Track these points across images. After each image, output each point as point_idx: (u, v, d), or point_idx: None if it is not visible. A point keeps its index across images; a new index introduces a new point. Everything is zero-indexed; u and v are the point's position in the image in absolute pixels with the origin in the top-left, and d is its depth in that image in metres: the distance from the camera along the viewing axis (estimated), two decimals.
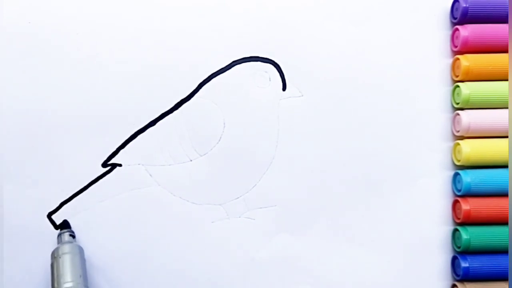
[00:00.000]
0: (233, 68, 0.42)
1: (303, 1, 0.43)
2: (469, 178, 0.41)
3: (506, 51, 0.41)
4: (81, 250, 0.39)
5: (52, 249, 0.41)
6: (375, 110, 0.42)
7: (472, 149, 0.41)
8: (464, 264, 0.40)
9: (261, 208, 0.42)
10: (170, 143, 0.42)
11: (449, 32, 0.43)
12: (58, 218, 0.42)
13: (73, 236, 0.40)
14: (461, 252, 0.41)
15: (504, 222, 0.41)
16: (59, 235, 0.41)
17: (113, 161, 0.42)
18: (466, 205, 0.41)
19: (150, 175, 0.42)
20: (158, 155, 0.42)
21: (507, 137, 0.41)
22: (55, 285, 0.37)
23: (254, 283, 0.42)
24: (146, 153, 0.42)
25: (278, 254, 0.42)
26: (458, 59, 0.42)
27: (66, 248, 0.39)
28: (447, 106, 0.42)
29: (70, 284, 0.37)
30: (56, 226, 0.42)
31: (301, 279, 0.42)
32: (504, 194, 0.41)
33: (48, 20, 0.42)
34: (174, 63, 0.42)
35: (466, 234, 0.41)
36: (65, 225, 0.41)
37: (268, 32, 0.42)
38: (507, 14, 0.41)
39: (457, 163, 0.42)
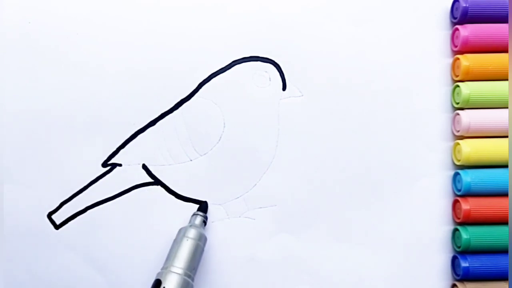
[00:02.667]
0: (233, 68, 0.42)
1: (303, 1, 0.43)
2: (469, 177, 0.41)
3: (506, 51, 0.41)
4: (205, 240, 0.40)
5: (52, 249, 0.41)
6: (375, 110, 0.42)
7: (472, 149, 0.41)
8: (464, 263, 0.40)
9: (261, 208, 0.42)
10: (170, 143, 0.42)
11: (449, 32, 0.43)
12: (58, 218, 0.42)
13: (205, 222, 0.41)
14: (461, 252, 0.41)
15: (504, 222, 0.41)
16: (194, 214, 0.41)
17: (113, 161, 0.42)
18: (466, 205, 0.41)
19: (150, 175, 0.42)
20: (158, 155, 0.42)
21: (507, 137, 0.41)
22: (170, 262, 0.38)
23: (254, 283, 0.42)
24: (146, 153, 0.42)
25: (278, 254, 0.42)
26: (458, 59, 0.42)
27: (193, 233, 0.39)
28: (447, 106, 0.42)
29: (178, 271, 0.37)
30: (56, 226, 0.42)
31: (301, 279, 0.42)
32: (504, 194, 0.41)
33: (48, 20, 0.42)
34: (174, 63, 0.42)
35: (466, 234, 0.41)
36: (203, 207, 0.41)
37: (268, 32, 0.42)
38: (507, 14, 0.41)
39: (457, 163, 0.42)
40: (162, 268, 0.38)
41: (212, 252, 0.42)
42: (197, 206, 0.42)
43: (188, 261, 0.38)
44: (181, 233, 0.39)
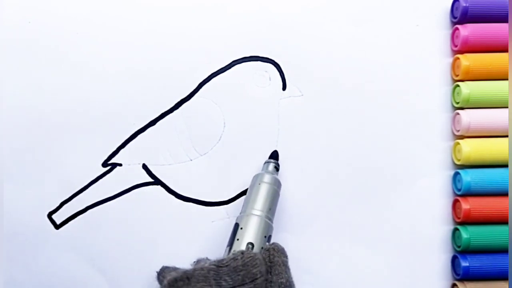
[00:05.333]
0: (233, 68, 0.42)
1: (303, 1, 0.43)
2: (469, 177, 0.41)
3: (506, 51, 0.41)
4: (279, 185, 0.40)
5: (52, 249, 0.41)
6: (374, 110, 0.42)
7: (472, 149, 0.41)
8: (464, 263, 0.40)
9: None
10: (170, 142, 0.42)
11: (449, 32, 0.43)
12: (58, 217, 0.42)
13: (277, 168, 0.41)
14: (461, 252, 0.41)
15: (504, 222, 0.41)
16: (266, 162, 0.41)
17: (113, 160, 0.42)
18: (466, 205, 0.41)
19: (150, 174, 0.42)
20: (158, 154, 0.42)
21: (507, 136, 0.41)
22: (248, 207, 0.38)
23: None
24: (146, 152, 0.42)
25: None
26: (458, 58, 0.42)
27: (267, 178, 0.39)
28: (447, 106, 0.43)
29: (257, 213, 0.38)
30: (56, 226, 0.42)
31: (301, 279, 0.42)
32: (504, 194, 0.41)
33: (48, 20, 0.42)
34: (174, 63, 0.42)
35: (466, 233, 0.41)
36: (274, 155, 0.42)
37: (268, 32, 0.43)
38: (507, 14, 0.41)
39: (457, 163, 0.42)
40: (241, 213, 0.38)
41: (212, 252, 0.42)
42: (196, 206, 0.42)
43: (267, 204, 0.38)
44: (256, 179, 0.40)
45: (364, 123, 0.42)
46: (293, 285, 0.35)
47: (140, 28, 0.42)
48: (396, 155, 0.42)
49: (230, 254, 0.35)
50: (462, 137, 0.42)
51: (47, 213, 0.42)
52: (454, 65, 0.42)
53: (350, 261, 0.42)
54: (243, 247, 0.36)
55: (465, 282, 0.41)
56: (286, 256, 0.36)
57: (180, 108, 0.42)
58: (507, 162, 0.41)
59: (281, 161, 0.42)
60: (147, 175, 0.42)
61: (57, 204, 0.42)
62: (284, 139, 0.42)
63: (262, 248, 0.36)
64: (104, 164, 0.42)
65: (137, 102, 0.42)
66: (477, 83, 0.41)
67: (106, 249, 0.42)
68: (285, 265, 0.36)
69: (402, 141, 0.42)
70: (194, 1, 0.43)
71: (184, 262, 0.41)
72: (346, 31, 0.43)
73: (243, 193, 0.42)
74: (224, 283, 0.33)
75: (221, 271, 0.34)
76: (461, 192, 0.41)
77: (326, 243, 0.42)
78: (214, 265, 0.34)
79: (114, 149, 0.42)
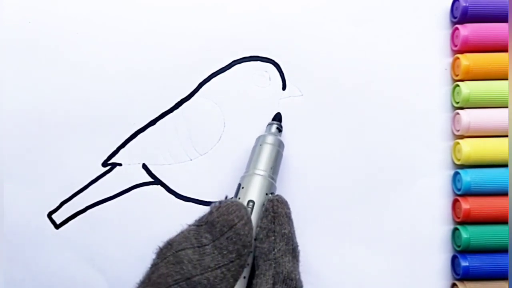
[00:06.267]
0: (233, 68, 0.42)
1: (303, 1, 0.43)
2: (469, 177, 0.41)
3: (506, 50, 0.41)
4: (282, 146, 0.40)
5: (52, 249, 0.41)
6: (374, 109, 0.42)
7: (472, 148, 0.41)
8: (464, 263, 0.40)
9: None
10: (170, 142, 0.42)
11: (449, 31, 0.43)
12: (58, 217, 0.42)
13: (280, 129, 0.41)
14: (461, 251, 0.41)
15: (504, 221, 0.41)
16: (269, 124, 0.41)
17: (113, 160, 0.42)
18: (466, 204, 0.41)
19: (150, 174, 0.42)
20: (158, 154, 0.42)
21: (507, 136, 0.41)
22: (250, 167, 0.38)
23: None
24: (146, 152, 0.42)
25: None
26: (458, 58, 0.42)
27: (269, 139, 0.39)
28: (447, 105, 0.43)
29: (259, 172, 0.38)
30: (56, 226, 0.42)
31: (301, 279, 0.42)
32: (504, 193, 0.41)
33: (48, 20, 0.42)
34: (174, 62, 0.42)
35: (466, 233, 0.41)
36: (277, 117, 0.42)
37: (268, 31, 0.43)
38: (507, 13, 0.41)
39: (457, 162, 0.42)
40: (246, 173, 0.38)
41: None
42: (196, 206, 0.42)
43: (269, 163, 0.38)
44: (259, 140, 0.40)
45: (364, 123, 0.42)
46: (295, 237, 0.36)
47: (140, 28, 0.42)
48: (396, 155, 0.42)
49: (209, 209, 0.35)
50: (462, 137, 0.42)
51: (47, 213, 0.42)
52: (454, 65, 0.42)
53: (350, 261, 0.42)
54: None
55: (465, 282, 0.41)
56: (289, 209, 0.37)
57: (180, 108, 0.42)
58: (507, 162, 0.41)
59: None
60: (147, 175, 0.42)
61: (57, 204, 0.42)
62: (284, 139, 0.42)
63: (263, 204, 0.36)
64: (104, 164, 0.42)
65: (137, 102, 0.42)
66: (477, 83, 0.41)
67: (106, 249, 0.42)
68: (288, 216, 0.36)
69: (402, 141, 0.42)
70: (194, 1, 0.43)
71: None
72: (346, 31, 0.43)
73: None
74: (205, 240, 0.33)
75: (201, 230, 0.34)
76: (461, 192, 0.41)
77: (326, 243, 0.42)
78: (194, 225, 0.34)
79: (114, 149, 0.42)
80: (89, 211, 0.42)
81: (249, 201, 0.36)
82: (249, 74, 0.42)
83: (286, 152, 0.42)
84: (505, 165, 0.41)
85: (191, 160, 0.42)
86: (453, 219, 0.42)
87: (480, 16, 0.41)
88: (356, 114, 0.42)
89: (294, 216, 0.42)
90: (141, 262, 0.42)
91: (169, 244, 0.34)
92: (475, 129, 0.41)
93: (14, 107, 0.42)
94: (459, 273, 0.41)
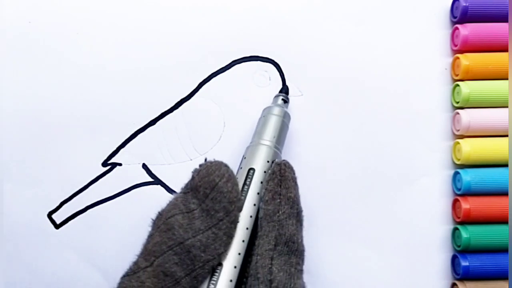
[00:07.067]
0: (233, 68, 0.42)
1: (303, 0, 0.43)
2: (469, 177, 0.41)
3: (506, 50, 0.41)
4: (287, 116, 0.40)
5: (52, 249, 0.41)
6: (374, 109, 0.42)
7: (472, 148, 0.41)
8: (464, 263, 0.40)
9: None
10: (170, 142, 0.42)
11: (449, 31, 0.43)
12: (58, 217, 0.42)
13: (285, 100, 0.41)
14: (461, 251, 0.41)
15: (504, 221, 0.41)
16: (276, 96, 0.41)
17: (113, 160, 0.42)
18: (466, 204, 0.41)
19: (150, 174, 0.42)
20: (158, 154, 0.42)
21: (507, 136, 0.41)
22: (254, 138, 0.38)
23: None
24: (146, 152, 0.42)
25: None
26: (458, 58, 0.42)
27: (275, 110, 0.39)
28: (447, 105, 0.43)
29: (263, 142, 0.37)
30: (56, 226, 0.42)
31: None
32: (504, 193, 0.41)
33: (48, 20, 0.42)
34: (174, 62, 0.42)
35: (466, 233, 0.41)
36: (284, 89, 0.41)
37: (268, 31, 0.43)
38: (507, 13, 0.41)
39: (457, 162, 0.42)
40: (251, 143, 0.38)
41: None
42: None
43: (274, 133, 0.38)
44: (265, 111, 0.39)
45: (364, 123, 0.42)
46: (300, 202, 0.36)
47: (140, 28, 0.42)
48: (395, 155, 0.42)
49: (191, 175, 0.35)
50: (462, 136, 0.42)
51: (47, 213, 0.42)
52: (454, 65, 0.42)
53: (350, 261, 0.42)
54: (244, 174, 0.36)
55: (465, 282, 0.41)
56: (295, 174, 0.37)
57: (180, 107, 0.42)
58: (507, 162, 0.41)
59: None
60: (147, 175, 0.42)
61: (57, 204, 0.42)
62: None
63: (264, 172, 0.36)
64: (104, 164, 0.42)
65: (137, 101, 0.42)
66: (477, 82, 0.41)
67: (106, 248, 0.42)
68: (294, 181, 0.36)
69: (402, 141, 0.42)
70: (194, 1, 0.43)
71: None
72: (346, 31, 0.43)
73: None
74: (192, 206, 0.34)
75: (188, 196, 0.34)
76: (461, 192, 0.41)
77: (325, 243, 0.42)
78: (182, 192, 0.35)
79: (114, 148, 0.42)
80: (89, 211, 0.42)
81: (250, 169, 0.36)
82: (249, 74, 0.42)
83: (286, 152, 0.42)
84: (505, 165, 0.41)
85: (191, 160, 0.42)
86: (453, 219, 0.42)
87: (480, 16, 0.41)
88: (356, 114, 0.42)
89: None
90: None
91: (160, 214, 0.35)
92: (475, 129, 0.41)
93: (14, 107, 0.42)
94: (459, 273, 0.41)
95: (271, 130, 0.38)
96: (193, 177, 0.35)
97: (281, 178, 0.35)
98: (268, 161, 0.37)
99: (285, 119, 0.39)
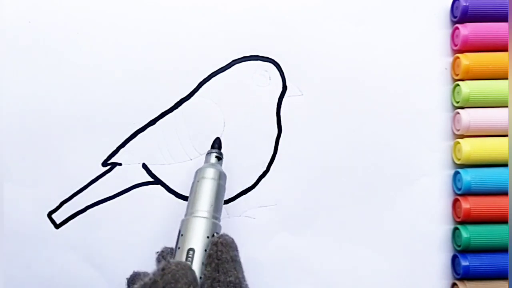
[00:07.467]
0: (233, 67, 0.42)
1: (303, 0, 0.43)
2: (469, 176, 0.41)
3: (506, 50, 0.41)
4: (223, 176, 0.37)
5: (52, 249, 0.41)
6: (375, 109, 0.42)
7: (472, 148, 0.41)
8: (464, 262, 0.40)
9: (261, 207, 0.42)
10: (170, 142, 0.42)
11: (449, 31, 0.43)
12: (58, 217, 0.42)
13: (219, 158, 0.38)
14: (461, 251, 0.41)
15: (504, 221, 0.41)
16: (208, 153, 0.39)
17: (113, 160, 0.42)
18: (466, 204, 0.41)
19: (150, 174, 0.42)
20: (158, 154, 0.42)
21: (507, 135, 0.41)
22: (189, 210, 0.35)
23: (254, 283, 0.42)
24: (146, 152, 0.42)
25: (278, 254, 0.42)
26: (458, 57, 0.42)
27: (208, 172, 0.37)
28: (447, 105, 0.43)
29: (199, 214, 0.35)
30: (56, 226, 0.42)
31: (301, 279, 0.42)
32: (504, 193, 0.41)
33: (48, 20, 0.42)
34: (174, 62, 0.42)
35: (466, 232, 0.41)
36: (216, 144, 0.39)
37: (268, 31, 0.43)
38: (507, 13, 0.41)
39: (457, 162, 0.42)
40: (185, 216, 0.36)
41: None
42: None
43: (209, 201, 0.35)
44: (198, 175, 0.37)
45: (364, 123, 0.42)
46: (243, 281, 0.33)
47: (140, 28, 0.42)
48: (396, 155, 0.42)
49: (151, 275, 0.31)
50: (462, 136, 0.42)
51: (47, 212, 0.42)
52: (454, 65, 0.42)
53: (350, 261, 0.42)
54: (184, 255, 0.33)
55: (465, 282, 0.41)
56: (236, 250, 0.34)
57: (180, 107, 0.42)
58: (507, 162, 0.41)
59: (281, 161, 0.42)
60: (147, 175, 0.42)
61: (57, 204, 0.42)
62: (284, 138, 0.42)
63: (205, 250, 0.34)
64: (104, 164, 0.42)
65: (137, 101, 0.42)
66: (477, 82, 0.41)
67: (106, 248, 0.42)
68: (234, 260, 0.33)
69: (402, 141, 0.42)
70: (194, 1, 0.43)
71: None
72: (346, 31, 0.43)
73: (243, 192, 0.42)
74: None
75: None
76: (461, 192, 0.41)
77: (326, 243, 0.42)
78: None
79: (114, 148, 0.42)
80: (89, 211, 0.42)
81: (189, 249, 0.33)
82: (249, 74, 0.42)
83: (286, 152, 0.42)
84: (505, 165, 0.41)
85: (191, 160, 0.42)
86: (453, 219, 0.42)
87: (480, 16, 0.41)
88: (356, 113, 0.42)
89: (294, 215, 0.42)
90: (140, 261, 0.42)
91: None
92: (475, 129, 0.41)
93: (14, 107, 0.42)
94: (459, 272, 0.41)
95: (207, 198, 0.35)
96: (155, 281, 0.30)
97: (218, 262, 0.33)
98: (208, 237, 0.34)
99: (221, 180, 0.37)
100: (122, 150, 0.42)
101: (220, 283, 0.32)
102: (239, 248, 0.41)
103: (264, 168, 0.42)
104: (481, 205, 0.41)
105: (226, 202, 0.42)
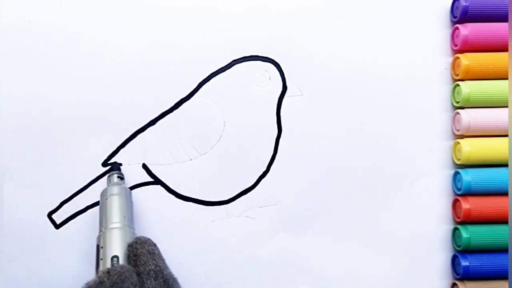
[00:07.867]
0: (233, 67, 0.42)
1: (303, 0, 0.43)
2: (469, 177, 0.41)
3: (506, 50, 0.41)
4: (128, 192, 0.39)
5: (52, 249, 0.41)
6: (375, 109, 0.42)
7: (472, 148, 0.41)
8: (464, 263, 0.40)
9: (261, 207, 0.42)
10: (170, 142, 0.42)
11: (449, 31, 0.43)
12: (58, 217, 0.42)
13: (121, 178, 0.40)
14: (461, 251, 0.41)
15: (504, 221, 0.41)
16: (109, 176, 0.40)
17: (113, 160, 0.42)
18: (466, 204, 0.41)
19: (150, 174, 0.42)
20: (158, 154, 0.42)
21: (507, 135, 0.41)
22: (103, 225, 0.37)
23: (254, 283, 0.42)
24: (146, 152, 0.42)
25: (278, 254, 0.42)
26: (458, 58, 0.42)
27: (114, 189, 0.39)
28: (447, 105, 0.42)
29: (113, 225, 0.36)
30: (56, 226, 0.42)
31: (301, 279, 0.42)
32: (504, 193, 0.41)
33: (48, 20, 0.42)
34: (174, 62, 0.42)
35: (466, 233, 0.41)
36: (115, 166, 0.41)
37: (268, 31, 0.43)
38: (507, 13, 0.41)
39: (457, 162, 0.42)
40: (100, 231, 0.37)
41: (212, 252, 0.42)
42: (196, 205, 0.42)
43: (120, 213, 0.37)
44: (103, 195, 0.39)
45: (364, 123, 0.42)
46: (164, 269, 0.35)
47: (140, 28, 0.42)
48: (396, 155, 0.42)
49: (96, 277, 0.33)
50: (462, 136, 0.42)
51: (47, 213, 0.42)
52: (454, 65, 0.42)
53: (350, 261, 0.42)
54: (108, 264, 0.35)
55: (465, 282, 0.41)
56: (153, 245, 0.36)
57: (180, 107, 0.42)
58: (507, 162, 0.41)
59: (281, 161, 0.42)
60: (147, 175, 0.42)
61: (57, 204, 0.42)
62: (284, 138, 0.42)
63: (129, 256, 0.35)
64: (104, 164, 0.42)
65: (137, 101, 0.42)
66: (477, 82, 0.41)
67: None
68: (151, 253, 0.35)
69: (402, 141, 0.42)
70: (194, 1, 0.43)
71: (184, 262, 0.42)
72: (346, 31, 0.43)
73: (243, 192, 0.42)
74: None
75: None
76: (461, 192, 0.41)
77: (326, 243, 0.42)
78: None
79: (114, 149, 0.42)
80: (89, 211, 0.42)
81: (113, 257, 0.35)
82: (249, 74, 0.42)
83: (286, 152, 0.42)
84: (505, 165, 0.41)
85: (191, 160, 0.42)
86: (453, 219, 0.42)
87: (480, 16, 0.41)
88: (356, 113, 0.42)
89: (294, 216, 0.42)
90: None
91: None
92: (475, 129, 0.41)
93: (14, 107, 0.42)
94: (459, 272, 0.41)
95: (120, 211, 0.37)
96: (102, 281, 0.32)
97: (135, 257, 0.34)
98: (128, 244, 0.36)
99: (127, 195, 0.39)
100: (122, 150, 0.42)
101: (142, 274, 0.34)
102: (239, 248, 0.41)
103: (264, 168, 0.42)
104: (481, 205, 0.41)
105: (226, 202, 0.42)
